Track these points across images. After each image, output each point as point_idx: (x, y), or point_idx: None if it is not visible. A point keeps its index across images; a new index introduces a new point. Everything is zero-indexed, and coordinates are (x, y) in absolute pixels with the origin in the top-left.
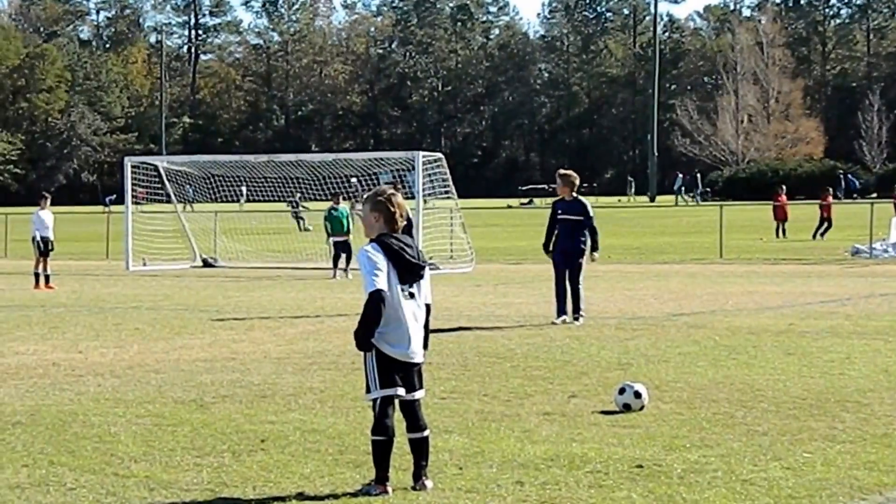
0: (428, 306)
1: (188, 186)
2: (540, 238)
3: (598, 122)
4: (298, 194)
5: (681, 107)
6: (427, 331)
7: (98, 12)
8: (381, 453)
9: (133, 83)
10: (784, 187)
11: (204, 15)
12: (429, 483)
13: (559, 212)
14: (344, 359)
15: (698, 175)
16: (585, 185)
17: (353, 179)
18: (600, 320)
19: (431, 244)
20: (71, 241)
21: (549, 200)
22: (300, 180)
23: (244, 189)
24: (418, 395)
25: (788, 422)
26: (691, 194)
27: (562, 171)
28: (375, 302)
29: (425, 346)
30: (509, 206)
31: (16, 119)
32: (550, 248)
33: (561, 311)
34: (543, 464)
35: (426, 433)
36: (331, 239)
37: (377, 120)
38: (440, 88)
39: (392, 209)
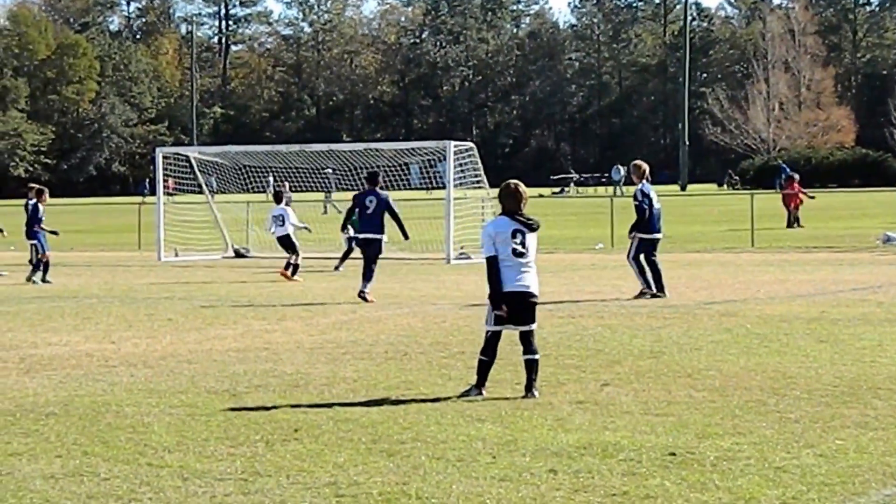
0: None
1: (212, 177)
2: (574, 227)
3: (628, 112)
4: (287, 183)
5: (711, 95)
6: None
7: (128, 3)
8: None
9: (163, 74)
10: (798, 176)
11: (234, 5)
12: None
13: (652, 197)
14: (377, 348)
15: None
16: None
17: (328, 170)
18: (632, 309)
19: (463, 233)
20: (103, 232)
21: (581, 189)
22: (333, 171)
23: (271, 179)
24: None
25: (821, 409)
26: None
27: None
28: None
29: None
30: (541, 196)
31: (47, 110)
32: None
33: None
34: (576, 452)
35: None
36: (349, 233)
37: (408, 110)
38: (471, 78)
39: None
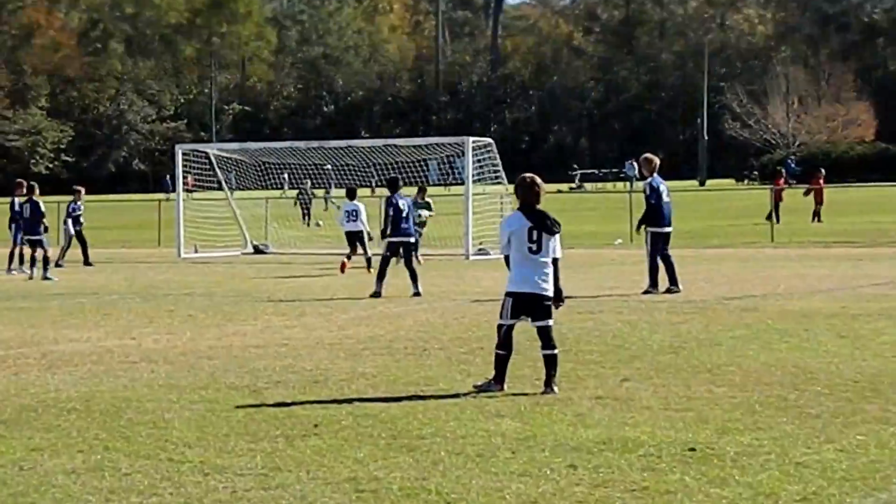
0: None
1: (231, 174)
2: (593, 223)
3: (647, 107)
4: (308, 181)
5: (730, 90)
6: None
7: None
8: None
9: (182, 71)
10: (823, 171)
11: None
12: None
13: (661, 191)
14: (396, 344)
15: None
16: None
17: (328, 167)
18: (652, 304)
19: (481, 229)
20: (123, 229)
21: (600, 185)
22: (349, 167)
23: (286, 175)
24: None
25: (841, 404)
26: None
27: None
28: None
29: None
30: (559, 191)
31: (66, 107)
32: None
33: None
34: (596, 447)
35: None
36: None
37: (426, 106)
38: (489, 74)
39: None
